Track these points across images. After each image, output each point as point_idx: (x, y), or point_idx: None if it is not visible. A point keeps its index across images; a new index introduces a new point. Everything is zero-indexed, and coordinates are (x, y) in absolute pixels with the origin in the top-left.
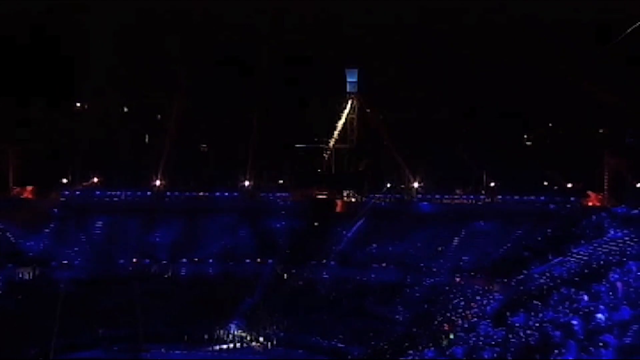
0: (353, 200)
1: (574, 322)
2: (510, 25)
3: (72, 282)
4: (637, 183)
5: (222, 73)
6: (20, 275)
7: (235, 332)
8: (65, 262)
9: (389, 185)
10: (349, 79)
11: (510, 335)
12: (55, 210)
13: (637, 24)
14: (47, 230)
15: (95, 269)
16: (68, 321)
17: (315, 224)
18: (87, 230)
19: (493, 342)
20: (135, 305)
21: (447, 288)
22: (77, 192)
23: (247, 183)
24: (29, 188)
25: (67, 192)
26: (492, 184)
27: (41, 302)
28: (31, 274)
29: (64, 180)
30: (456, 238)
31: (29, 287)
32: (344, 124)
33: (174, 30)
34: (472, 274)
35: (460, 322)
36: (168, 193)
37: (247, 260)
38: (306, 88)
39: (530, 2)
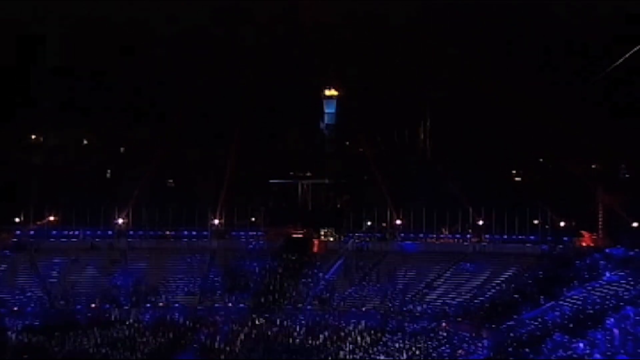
0: (331, 239)
1: None
2: (499, 57)
3: (24, 331)
4: (633, 222)
5: (190, 104)
6: None
7: None
8: (16, 308)
9: (369, 223)
10: (327, 110)
11: None
12: (7, 251)
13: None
14: None
15: (50, 315)
16: None
17: (291, 265)
18: (41, 273)
19: None
20: (94, 354)
21: (432, 334)
22: (31, 232)
23: (217, 221)
24: None
25: (19, 232)
26: (480, 223)
27: None
28: None
29: (16, 219)
30: (441, 280)
31: None
32: (322, 157)
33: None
34: (459, 319)
35: None
36: (131, 232)
37: (217, 305)
38: (281, 120)
39: (522, 37)
